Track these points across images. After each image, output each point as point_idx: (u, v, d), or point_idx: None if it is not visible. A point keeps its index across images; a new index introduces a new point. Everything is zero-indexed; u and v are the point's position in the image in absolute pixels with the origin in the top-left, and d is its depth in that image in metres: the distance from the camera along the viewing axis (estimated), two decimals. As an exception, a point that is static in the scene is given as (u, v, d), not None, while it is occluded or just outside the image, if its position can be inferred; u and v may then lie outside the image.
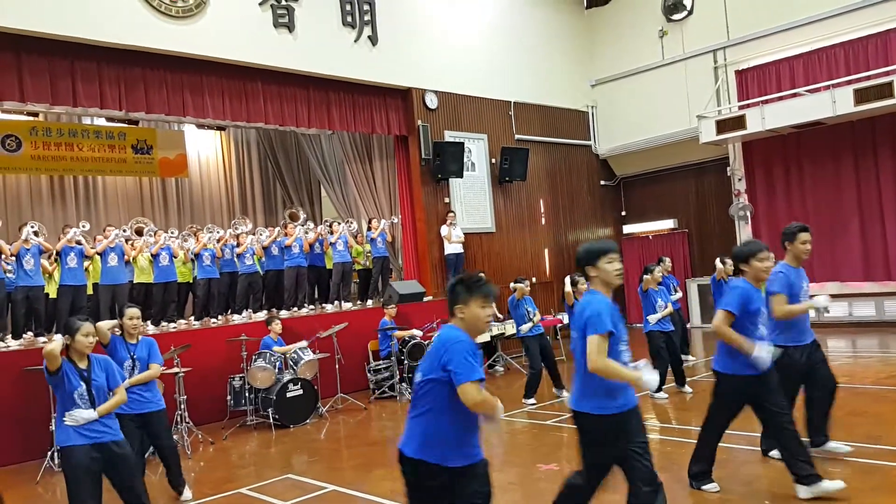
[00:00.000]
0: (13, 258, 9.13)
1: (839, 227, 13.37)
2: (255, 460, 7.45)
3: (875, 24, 12.65)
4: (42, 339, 9.26)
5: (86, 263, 10.01)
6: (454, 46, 13.78)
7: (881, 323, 12.92)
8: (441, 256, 13.04)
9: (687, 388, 8.74)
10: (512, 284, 9.54)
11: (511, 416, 8.38)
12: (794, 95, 13.03)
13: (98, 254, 9.91)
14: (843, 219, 13.34)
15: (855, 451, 5.55)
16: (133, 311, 5.97)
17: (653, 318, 8.57)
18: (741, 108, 13.75)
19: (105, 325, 5.60)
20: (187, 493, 6.07)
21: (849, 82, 12.23)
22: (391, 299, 11.01)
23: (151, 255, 10.50)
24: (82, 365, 4.56)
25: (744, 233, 14.49)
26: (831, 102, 12.11)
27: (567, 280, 9.79)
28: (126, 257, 10.16)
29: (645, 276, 8.70)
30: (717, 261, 9.36)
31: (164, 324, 10.36)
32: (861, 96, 11.78)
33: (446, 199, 13.42)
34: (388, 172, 13.88)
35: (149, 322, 10.08)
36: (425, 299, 11.99)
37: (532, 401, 8.94)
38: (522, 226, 14.86)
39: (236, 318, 10.98)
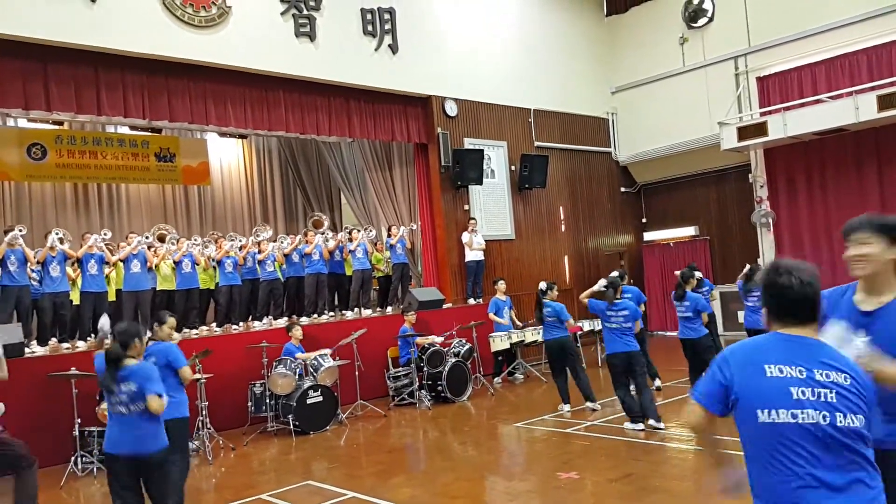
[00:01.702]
0: (39, 265, 9.28)
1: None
2: (276, 466, 7.49)
3: (899, 30, 12.52)
4: (66, 345, 9.41)
5: (107, 270, 10.14)
6: (474, 54, 13.82)
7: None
8: (460, 263, 13.05)
9: None
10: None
11: (531, 423, 8.35)
12: (817, 102, 12.90)
13: (120, 260, 10.05)
14: (868, 226, 13.14)
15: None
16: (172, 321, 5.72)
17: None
18: (762, 114, 13.63)
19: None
20: None
21: (872, 88, 12.08)
22: (410, 306, 11.03)
23: (174, 262, 10.62)
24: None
25: (766, 240, 14.36)
26: (854, 109, 11.98)
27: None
28: (149, 264, 10.28)
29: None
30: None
31: (185, 330, 10.46)
32: (884, 102, 11.62)
33: (466, 207, 13.45)
34: (408, 180, 13.93)
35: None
36: (445, 306, 12.00)
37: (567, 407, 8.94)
38: (542, 233, 14.84)
39: (257, 325, 11.06)
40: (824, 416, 2.17)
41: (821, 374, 2.21)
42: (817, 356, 2.26)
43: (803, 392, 2.20)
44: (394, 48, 12.42)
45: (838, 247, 13.35)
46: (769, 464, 2.24)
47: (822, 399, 2.19)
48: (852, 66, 13.09)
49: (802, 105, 13.13)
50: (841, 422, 2.16)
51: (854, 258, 2.76)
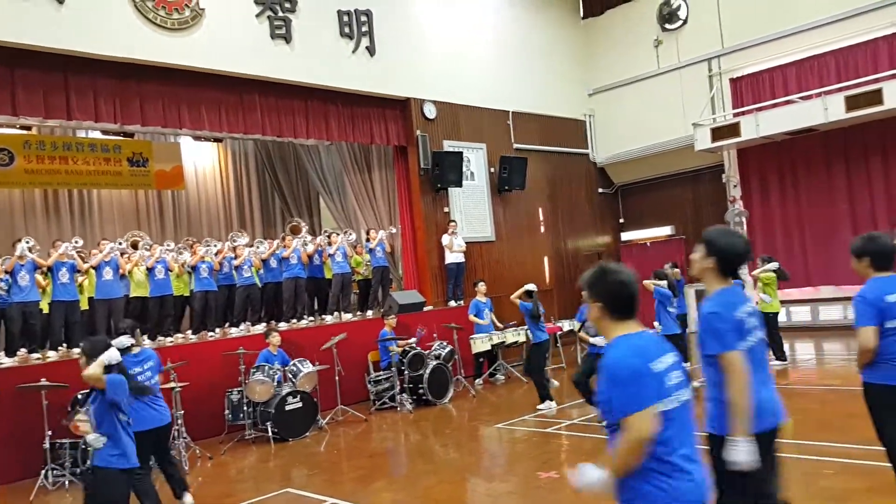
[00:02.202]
0: (7, 274, 9.07)
1: (833, 231, 13.40)
2: (254, 474, 7.38)
3: (864, 33, 12.76)
4: (35, 355, 9.19)
5: (80, 278, 9.95)
6: (452, 56, 13.79)
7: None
8: (441, 266, 13.00)
9: None
10: None
11: (512, 424, 8.32)
12: (788, 102, 13.10)
13: (92, 268, 9.83)
14: (837, 223, 13.38)
15: (850, 453, 5.57)
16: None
17: None
18: (735, 115, 13.81)
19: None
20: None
21: (840, 89, 12.30)
22: (391, 310, 10.96)
23: (147, 268, 10.44)
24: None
25: (741, 239, 14.50)
26: (823, 109, 12.17)
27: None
28: (121, 271, 10.09)
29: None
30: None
31: (160, 338, 10.29)
32: (852, 103, 11.86)
33: (446, 209, 13.40)
34: (388, 182, 13.86)
35: (145, 336, 9.99)
36: (425, 309, 11.94)
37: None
38: (522, 234, 14.84)
39: (234, 332, 10.91)
40: None
41: None
42: None
43: None
44: (371, 50, 12.35)
45: (810, 244, 13.62)
46: None
47: None
48: (821, 67, 13.34)
49: (774, 106, 13.33)
50: None
51: None
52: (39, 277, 9.49)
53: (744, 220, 14.45)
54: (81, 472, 7.07)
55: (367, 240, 12.50)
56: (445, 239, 12.86)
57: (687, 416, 2.53)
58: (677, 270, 10.42)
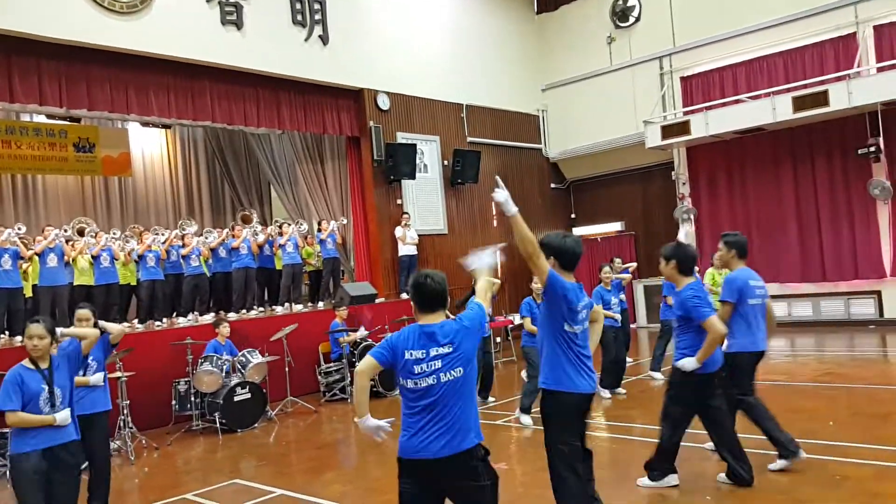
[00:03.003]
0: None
1: (779, 230, 13.82)
2: (201, 465, 7.31)
3: (812, 35, 13.15)
4: (-24, 343, 8.92)
5: (24, 266, 9.68)
6: (406, 48, 13.77)
7: (817, 322, 13.39)
8: (393, 258, 13.01)
9: (620, 391, 8.87)
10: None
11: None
12: (737, 102, 13.42)
13: (36, 255, 9.58)
14: (783, 222, 13.79)
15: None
16: (83, 313, 5.50)
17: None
18: (686, 113, 14.09)
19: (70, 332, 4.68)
20: None
21: (787, 90, 12.65)
22: (342, 301, 10.92)
23: (92, 256, 10.21)
24: (43, 366, 4.29)
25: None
26: (771, 109, 12.51)
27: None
28: (66, 258, 9.86)
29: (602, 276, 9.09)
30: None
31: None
32: (799, 104, 12.20)
33: (399, 201, 13.40)
34: (340, 173, 13.78)
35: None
36: (377, 301, 11.93)
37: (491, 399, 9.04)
38: (474, 228, 14.93)
39: (182, 321, 10.74)
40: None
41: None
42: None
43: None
44: (324, 39, 12.25)
45: (757, 241, 14.01)
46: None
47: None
48: (770, 68, 13.68)
49: (724, 105, 13.63)
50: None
51: None
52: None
53: (692, 216, 14.78)
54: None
55: (319, 230, 12.43)
56: (399, 231, 12.87)
57: None
58: (618, 264, 10.70)
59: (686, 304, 4.88)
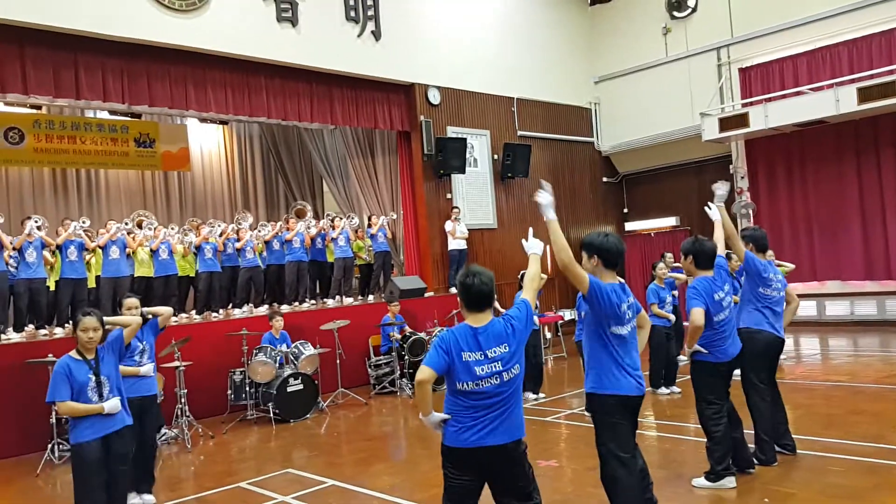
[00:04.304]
0: (16, 251, 9.16)
1: (841, 225, 13.35)
2: (255, 454, 7.47)
3: (879, 23, 12.62)
4: (43, 331, 9.30)
5: (87, 257, 10.04)
6: (457, 42, 13.75)
7: (882, 322, 12.91)
8: (443, 252, 13.04)
9: (675, 389, 8.69)
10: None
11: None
12: (798, 94, 13.00)
13: (100, 247, 9.95)
14: (845, 218, 13.32)
15: (856, 450, 5.58)
16: (131, 301, 5.81)
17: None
18: (744, 105, 13.72)
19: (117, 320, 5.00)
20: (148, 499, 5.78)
21: (852, 81, 12.19)
22: (393, 296, 11.01)
23: (151, 249, 10.52)
24: (90, 356, 4.48)
25: (746, 231, 14.46)
26: (834, 101, 12.08)
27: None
28: (128, 250, 10.19)
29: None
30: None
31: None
32: (864, 95, 11.74)
33: (448, 195, 13.42)
34: (391, 168, 13.88)
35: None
36: (426, 295, 11.99)
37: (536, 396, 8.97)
38: (524, 222, 14.82)
39: (237, 313, 10.99)
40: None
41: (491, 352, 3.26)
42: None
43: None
44: (377, 35, 12.33)
45: (818, 238, 13.58)
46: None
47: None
48: (833, 58, 13.20)
49: (784, 97, 13.23)
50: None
51: None
52: (47, 255, 9.60)
53: (751, 212, 14.39)
54: None
55: (369, 225, 12.54)
56: (448, 225, 12.89)
57: None
58: (669, 260, 10.26)
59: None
